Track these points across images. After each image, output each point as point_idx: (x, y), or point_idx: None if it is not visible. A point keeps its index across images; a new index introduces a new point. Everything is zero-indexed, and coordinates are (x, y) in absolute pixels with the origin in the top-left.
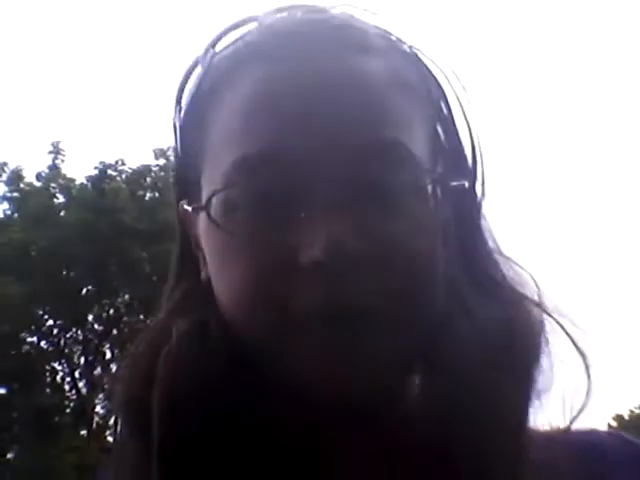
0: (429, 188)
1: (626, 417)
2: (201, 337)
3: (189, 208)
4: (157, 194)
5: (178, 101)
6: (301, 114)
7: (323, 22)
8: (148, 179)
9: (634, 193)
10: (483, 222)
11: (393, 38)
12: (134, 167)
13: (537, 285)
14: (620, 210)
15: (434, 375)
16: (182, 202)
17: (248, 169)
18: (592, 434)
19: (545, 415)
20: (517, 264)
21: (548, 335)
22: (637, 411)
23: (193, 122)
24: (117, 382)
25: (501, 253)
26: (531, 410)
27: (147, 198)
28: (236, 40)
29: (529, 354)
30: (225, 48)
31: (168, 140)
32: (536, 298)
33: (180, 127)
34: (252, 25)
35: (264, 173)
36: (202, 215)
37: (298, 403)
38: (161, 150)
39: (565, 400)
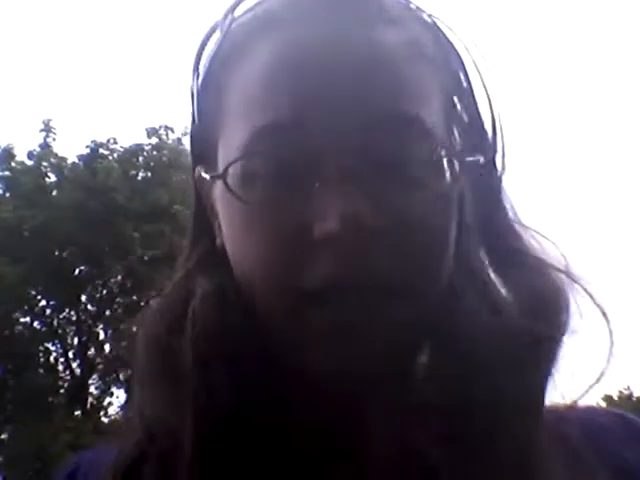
0: (445, 162)
1: (615, 398)
2: (222, 298)
3: (206, 176)
4: (149, 174)
5: (196, 67)
6: (319, 84)
7: None
8: (140, 158)
9: None
10: (503, 195)
11: (413, 7)
12: (126, 146)
13: (562, 254)
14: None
15: (443, 353)
16: (198, 168)
17: (266, 138)
18: (595, 411)
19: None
20: (540, 234)
21: (574, 303)
22: (626, 392)
23: (211, 87)
24: (139, 327)
25: (522, 224)
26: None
27: (139, 178)
28: (255, 5)
29: (554, 325)
30: (244, 13)
31: (160, 119)
32: (561, 266)
33: (197, 92)
34: None
35: (282, 143)
36: (219, 183)
37: (309, 377)
38: (153, 129)
39: (574, 372)
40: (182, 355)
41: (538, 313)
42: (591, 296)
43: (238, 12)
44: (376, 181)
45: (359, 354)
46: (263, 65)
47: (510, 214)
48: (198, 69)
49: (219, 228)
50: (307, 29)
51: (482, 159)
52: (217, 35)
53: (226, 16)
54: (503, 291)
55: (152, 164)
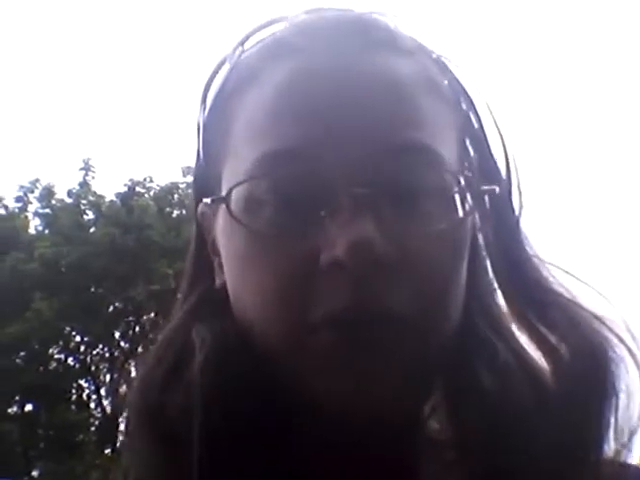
0: (457, 194)
1: None
2: (223, 347)
3: (208, 200)
4: (184, 211)
5: (203, 99)
6: (328, 111)
7: (353, 21)
8: (175, 196)
9: None
10: (522, 230)
11: (423, 44)
12: (162, 184)
13: (593, 293)
14: None
15: (461, 400)
16: (201, 204)
17: (273, 164)
18: None
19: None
20: (564, 270)
21: (617, 354)
22: None
23: (217, 118)
24: (133, 383)
25: (540, 259)
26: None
27: (174, 215)
28: (265, 38)
29: (592, 385)
30: (253, 46)
31: (195, 158)
32: (592, 308)
33: (204, 124)
34: (281, 24)
35: (288, 169)
36: (221, 212)
37: (315, 417)
38: (189, 168)
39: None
40: (178, 419)
41: (587, 364)
42: (630, 351)
43: (248, 45)
44: (387, 211)
45: (363, 389)
46: (272, 92)
47: (529, 249)
48: (205, 102)
49: (219, 267)
50: (318, 57)
51: (497, 189)
52: (226, 67)
53: (235, 48)
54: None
55: (187, 202)
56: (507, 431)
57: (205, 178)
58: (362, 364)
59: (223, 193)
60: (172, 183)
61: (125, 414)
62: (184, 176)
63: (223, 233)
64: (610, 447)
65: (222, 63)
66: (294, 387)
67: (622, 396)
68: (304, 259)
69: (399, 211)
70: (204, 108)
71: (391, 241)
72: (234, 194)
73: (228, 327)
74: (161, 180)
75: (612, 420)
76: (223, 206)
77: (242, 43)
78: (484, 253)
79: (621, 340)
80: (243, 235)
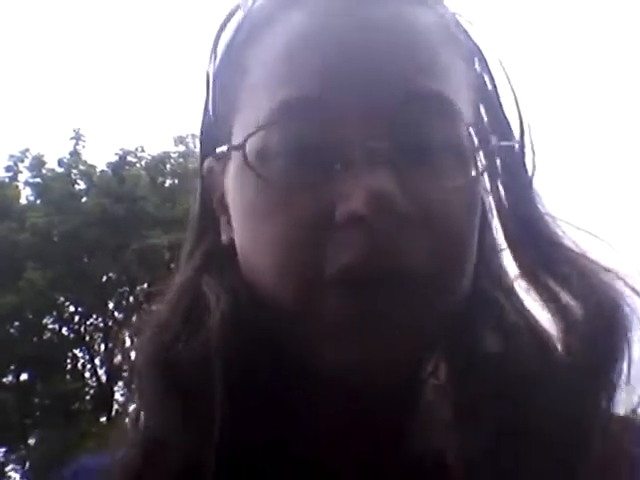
0: (473, 147)
1: None
2: (235, 300)
3: (224, 148)
4: (177, 181)
5: (214, 49)
6: (347, 59)
7: None
8: (168, 166)
9: None
10: (534, 190)
11: (443, 2)
12: (154, 154)
13: (606, 247)
14: None
15: (462, 361)
16: (208, 158)
17: (289, 112)
18: None
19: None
20: (576, 227)
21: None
22: None
23: (230, 68)
24: (143, 333)
25: (552, 216)
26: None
27: (167, 185)
28: None
29: (607, 345)
30: None
31: (188, 127)
32: (605, 262)
33: (214, 75)
34: None
35: (305, 118)
36: (233, 162)
37: (318, 381)
38: (181, 137)
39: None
40: (197, 365)
41: (602, 324)
42: None
43: None
44: (403, 165)
45: (371, 356)
46: (288, 39)
47: (541, 207)
48: (216, 51)
49: (227, 223)
50: (334, 4)
51: (511, 146)
52: (238, 15)
53: None
54: (558, 292)
55: (179, 172)
56: (511, 393)
57: (214, 133)
58: (371, 330)
59: (234, 141)
60: (164, 152)
61: (133, 363)
62: (176, 145)
63: (234, 186)
64: (620, 405)
65: (234, 11)
66: (301, 350)
67: (636, 355)
68: (318, 212)
69: (416, 165)
70: (214, 58)
71: (410, 195)
72: (248, 143)
73: (238, 285)
74: (153, 149)
75: (624, 377)
76: (234, 158)
77: None
78: (493, 213)
79: (635, 291)
80: (256, 186)
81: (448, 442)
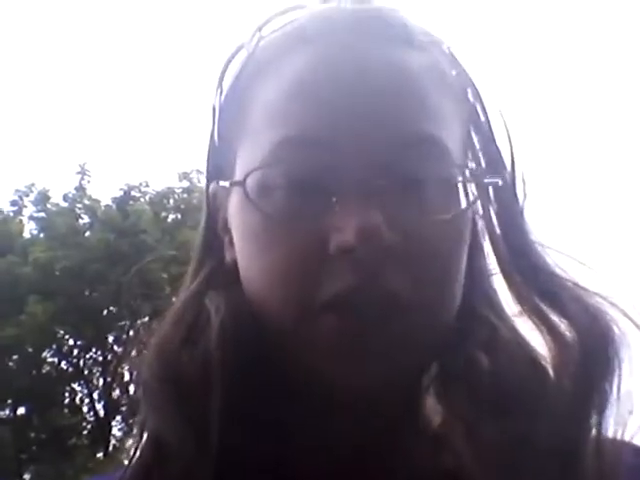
0: (462, 185)
1: None
2: (237, 315)
3: (225, 184)
4: (179, 216)
5: (219, 83)
6: (343, 101)
7: (370, 13)
8: (171, 201)
9: None
10: (525, 219)
11: (434, 36)
12: (158, 189)
13: (597, 277)
14: None
15: (451, 379)
16: (213, 183)
17: (288, 150)
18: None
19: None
20: (567, 255)
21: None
22: None
23: (235, 103)
24: (149, 346)
25: (542, 245)
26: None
27: (170, 220)
28: (284, 25)
29: (599, 365)
30: (272, 33)
31: (192, 163)
32: (597, 290)
33: (220, 108)
34: (300, 12)
35: (303, 156)
36: (235, 194)
37: (317, 397)
38: (185, 173)
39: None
40: (197, 374)
41: (591, 346)
42: (633, 321)
43: (265, 32)
44: (394, 201)
45: (366, 369)
46: (289, 81)
47: (532, 237)
48: (222, 86)
49: (230, 244)
50: (335, 49)
51: (500, 182)
52: (243, 53)
53: (253, 35)
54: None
55: (182, 207)
56: (503, 409)
57: (219, 159)
58: (366, 345)
59: (238, 175)
60: (168, 188)
61: (140, 375)
62: (180, 181)
63: (237, 214)
64: (611, 426)
65: (239, 48)
66: (299, 364)
67: (625, 378)
68: (313, 243)
69: (406, 200)
70: (220, 92)
71: (397, 229)
72: (249, 178)
73: (240, 299)
74: (157, 185)
75: (614, 399)
76: (237, 188)
77: (260, 29)
78: (485, 239)
79: (628, 317)
80: (256, 217)
81: (445, 458)
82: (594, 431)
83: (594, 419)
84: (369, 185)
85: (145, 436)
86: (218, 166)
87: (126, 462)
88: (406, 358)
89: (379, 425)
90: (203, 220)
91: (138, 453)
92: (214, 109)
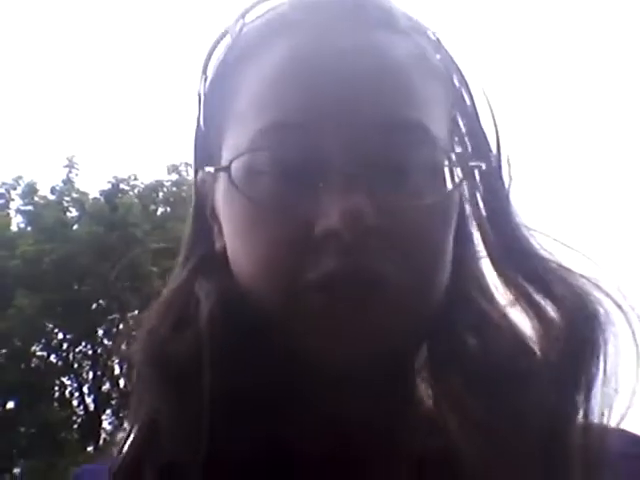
0: (447, 169)
1: None
2: (227, 300)
3: (211, 169)
4: (169, 209)
5: (204, 70)
6: (328, 87)
7: None
8: (160, 194)
9: None
10: (511, 202)
11: (419, 21)
12: (146, 182)
13: (582, 259)
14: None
15: (442, 361)
16: (201, 170)
17: (272, 136)
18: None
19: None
20: (552, 238)
21: (607, 320)
22: None
23: (219, 89)
24: (141, 330)
25: (529, 228)
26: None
27: (159, 213)
28: (267, 11)
29: (585, 345)
30: (255, 19)
31: (181, 156)
32: (582, 271)
33: (205, 95)
34: None
35: (288, 141)
36: (222, 180)
37: (306, 377)
38: (174, 166)
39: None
40: (188, 356)
41: (577, 328)
42: (626, 316)
43: (249, 18)
44: (378, 184)
45: (352, 346)
46: (273, 67)
47: (518, 219)
48: (206, 72)
49: (219, 231)
50: (318, 34)
51: (484, 165)
52: (227, 40)
53: (237, 21)
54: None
55: (172, 200)
56: (492, 389)
57: (205, 146)
58: (351, 324)
59: (224, 162)
60: (157, 181)
61: (131, 360)
62: (169, 174)
63: (223, 200)
64: (598, 405)
65: (223, 35)
66: (287, 345)
67: (611, 357)
68: (300, 227)
69: (391, 185)
70: (205, 78)
71: (382, 212)
72: (235, 164)
73: (229, 285)
74: (146, 178)
75: (600, 382)
76: (223, 174)
77: (243, 16)
78: (472, 222)
79: (613, 299)
80: (243, 203)
81: (438, 439)
82: (581, 411)
83: (581, 398)
84: (354, 170)
85: (136, 423)
86: (205, 153)
87: (116, 452)
88: (391, 338)
89: (369, 406)
90: (192, 208)
91: (130, 440)
92: (199, 95)
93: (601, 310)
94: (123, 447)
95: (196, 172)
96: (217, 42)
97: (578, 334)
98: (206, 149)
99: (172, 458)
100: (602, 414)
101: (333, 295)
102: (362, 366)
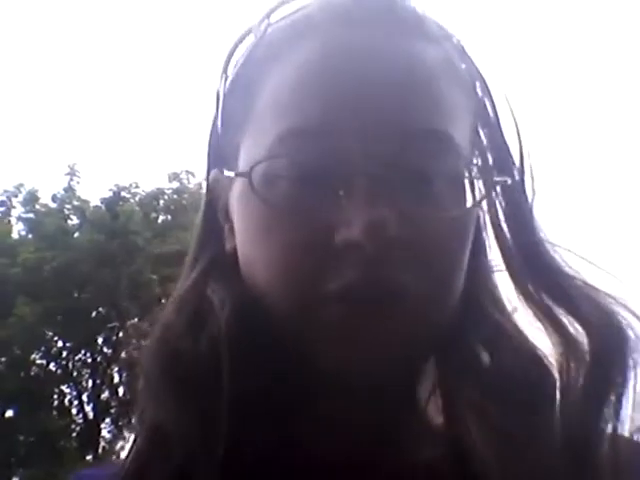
0: (469, 181)
1: None
2: (240, 304)
3: (230, 174)
4: (170, 217)
5: (225, 69)
6: (353, 92)
7: (381, 2)
8: (161, 202)
9: None
10: (534, 216)
11: (446, 28)
12: (147, 190)
13: (606, 277)
14: None
15: (457, 380)
16: (215, 170)
17: (294, 141)
18: None
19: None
20: (576, 254)
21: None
22: None
23: (240, 90)
24: (151, 335)
25: (552, 243)
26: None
27: (159, 221)
28: (293, 12)
29: (615, 364)
30: (280, 20)
31: (182, 164)
32: (607, 289)
33: (225, 95)
34: None
35: (309, 147)
36: (239, 183)
37: (319, 386)
38: (174, 173)
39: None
40: (203, 361)
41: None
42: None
43: (274, 18)
44: (402, 194)
45: (367, 356)
46: (297, 70)
47: (541, 234)
48: (227, 72)
49: (231, 232)
50: (345, 38)
51: (509, 180)
52: (250, 39)
53: (262, 21)
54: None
55: (172, 207)
56: (504, 400)
57: (221, 146)
58: (369, 332)
59: (242, 164)
60: (158, 189)
61: (142, 362)
62: (170, 182)
63: (240, 203)
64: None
65: (247, 34)
66: (299, 350)
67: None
68: (318, 232)
69: (413, 195)
70: (225, 78)
71: (405, 224)
72: (255, 169)
73: (242, 290)
74: (147, 186)
75: (629, 400)
76: (242, 179)
77: (268, 16)
78: (487, 234)
79: (636, 316)
80: (261, 208)
81: (441, 450)
82: (610, 429)
83: (610, 417)
84: (377, 179)
85: (143, 429)
86: (220, 153)
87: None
88: (407, 347)
89: (379, 413)
90: (202, 207)
91: (136, 447)
92: (218, 95)
93: (630, 331)
94: (130, 453)
95: (208, 172)
96: (240, 41)
97: (606, 353)
98: (221, 150)
99: (184, 462)
100: (631, 434)
101: (353, 306)
102: (376, 374)
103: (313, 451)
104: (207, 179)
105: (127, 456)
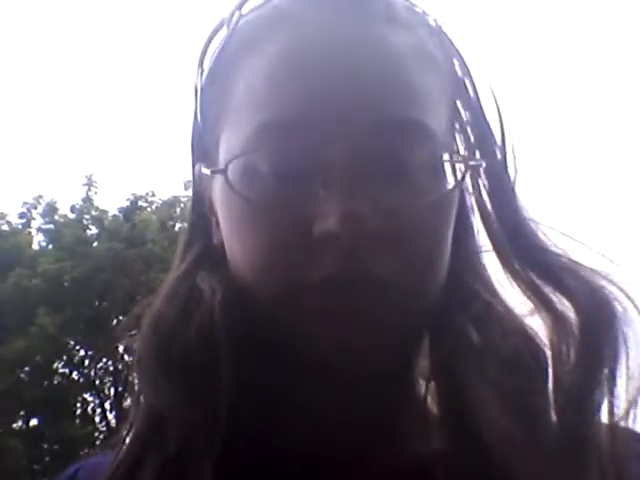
0: (448, 167)
1: None
2: (228, 292)
3: (207, 171)
4: (186, 224)
5: (200, 63)
6: (326, 84)
7: None
8: (178, 210)
9: None
10: (517, 195)
11: (419, 11)
12: (164, 198)
13: (590, 253)
14: None
15: (445, 356)
16: (198, 165)
17: (269, 135)
18: None
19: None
20: (560, 232)
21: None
22: None
23: (216, 83)
24: (145, 321)
25: (535, 221)
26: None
27: (176, 229)
28: (263, 4)
29: (605, 340)
30: (252, 11)
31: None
32: (592, 265)
33: (201, 89)
34: None
35: (285, 140)
36: (219, 179)
37: (308, 369)
38: (190, 181)
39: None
40: (196, 346)
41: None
42: (631, 299)
43: (245, 10)
44: (378, 184)
45: (345, 342)
46: (270, 62)
47: (524, 213)
48: (202, 65)
49: (217, 225)
50: (316, 28)
51: (488, 162)
52: (223, 32)
53: (233, 13)
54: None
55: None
56: (497, 381)
57: (202, 140)
58: (350, 322)
59: (221, 159)
60: (174, 197)
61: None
62: (186, 189)
63: (220, 198)
64: (621, 402)
65: (219, 27)
66: (285, 341)
67: (631, 352)
68: (298, 228)
69: (390, 184)
70: (201, 72)
71: (381, 214)
72: (231, 165)
73: (230, 280)
74: (163, 194)
75: (619, 379)
76: (219, 177)
77: (239, 8)
78: (473, 214)
79: (626, 294)
80: (240, 203)
81: (437, 441)
82: (606, 411)
83: (604, 394)
84: (353, 170)
85: (139, 415)
86: (202, 148)
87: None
88: (390, 336)
89: (368, 405)
90: (191, 201)
91: (133, 432)
92: (196, 89)
93: (618, 305)
94: (124, 440)
95: (193, 166)
96: (213, 34)
97: (597, 329)
98: (203, 144)
99: (181, 448)
100: (626, 411)
101: (332, 298)
102: (359, 363)
103: (301, 446)
104: (192, 173)
105: (123, 442)
